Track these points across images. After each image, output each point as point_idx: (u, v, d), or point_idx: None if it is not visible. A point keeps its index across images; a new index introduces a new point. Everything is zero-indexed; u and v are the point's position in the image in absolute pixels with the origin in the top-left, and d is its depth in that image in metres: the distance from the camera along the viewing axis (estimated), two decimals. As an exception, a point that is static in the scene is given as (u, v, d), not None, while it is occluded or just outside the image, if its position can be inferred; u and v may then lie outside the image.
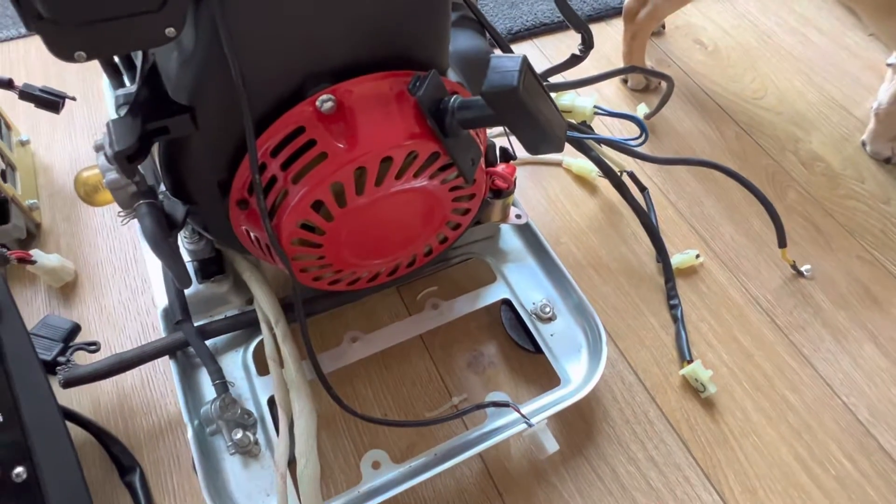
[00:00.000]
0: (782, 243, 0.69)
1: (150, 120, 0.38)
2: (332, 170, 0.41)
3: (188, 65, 0.38)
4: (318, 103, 0.41)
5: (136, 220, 0.41)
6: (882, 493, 0.57)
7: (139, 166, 0.41)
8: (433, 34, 0.44)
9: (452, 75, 0.48)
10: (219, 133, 0.41)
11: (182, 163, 0.43)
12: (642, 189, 0.76)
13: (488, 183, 0.57)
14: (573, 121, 0.61)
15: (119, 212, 0.41)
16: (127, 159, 0.37)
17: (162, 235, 0.40)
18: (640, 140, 0.55)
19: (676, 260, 0.70)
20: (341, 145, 0.41)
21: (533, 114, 0.37)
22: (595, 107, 0.58)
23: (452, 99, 0.42)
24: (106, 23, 0.33)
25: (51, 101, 0.65)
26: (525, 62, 0.36)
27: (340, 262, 0.50)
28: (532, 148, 0.41)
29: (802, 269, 0.71)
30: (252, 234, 0.48)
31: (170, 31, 0.35)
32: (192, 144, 0.42)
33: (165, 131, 0.39)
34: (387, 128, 0.42)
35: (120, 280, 0.66)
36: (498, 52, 0.52)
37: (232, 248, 0.52)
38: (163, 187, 0.46)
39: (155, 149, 0.44)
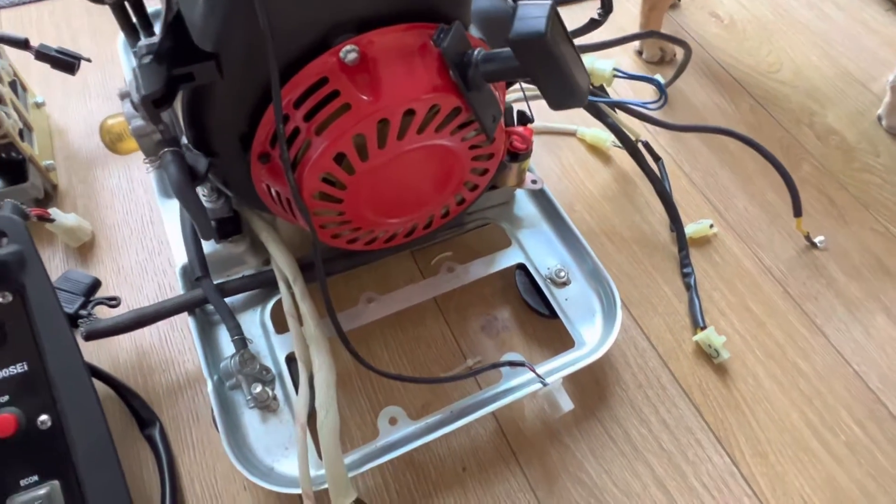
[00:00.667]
0: (798, 212, 0.68)
1: (176, 65, 0.38)
2: (355, 121, 0.41)
3: (214, 11, 0.38)
4: (341, 54, 0.41)
5: (158, 172, 0.42)
6: (891, 458, 0.58)
7: (163, 115, 0.41)
8: (457, -14, 0.43)
9: (474, 32, 0.48)
10: (242, 83, 0.41)
11: (205, 113, 0.43)
12: (657, 159, 0.76)
13: (506, 144, 0.57)
14: (593, 84, 0.61)
15: (144, 159, 0.41)
16: (153, 104, 0.37)
17: (188, 183, 0.40)
18: (658, 103, 0.55)
19: (690, 229, 0.70)
20: (365, 97, 0.41)
21: (560, 63, 0.37)
22: (614, 69, 0.57)
23: (476, 51, 0.42)
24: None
25: (67, 62, 0.65)
26: (553, 9, 0.35)
27: (359, 218, 0.50)
28: (556, 102, 0.41)
29: (816, 240, 0.71)
30: (273, 189, 0.48)
31: (197, -26, 0.35)
32: (215, 94, 0.42)
33: (191, 78, 0.39)
34: (410, 79, 0.42)
35: (137, 241, 0.67)
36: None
37: (250, 204, 0.52)
38: (185, 140, 0.46)
39: (178, 102, 0.45)
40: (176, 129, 0.48)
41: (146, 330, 0.59)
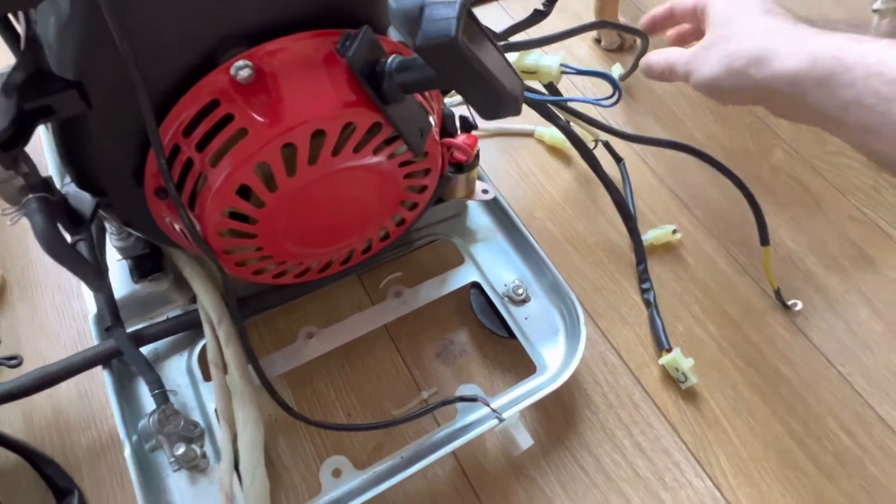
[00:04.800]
0: (764, 240, 0.61)
1: (28, 99, 0.32)
2: (254, 148, 0.36)
3: (68, 31, 0.32)
4: (232, 71, 0.35)
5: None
6: (882, 467, 0.54)
7: (28, 156, 0.35)
8: (365, -16, 0.38)
9: (395, 35, 0.43)
10: (120, 112, 0.36)
11: (83, 148, 0.38)
12: (618, 160, 0.71)
13: (447, 156, 0.51)
14: (540, 82, 0.55)
15: (5, 209, 0.35)
16: (1, 147, 0.31)
17: (56, 236, 0.34)
18: (612, 99, 0.50)
19: (651, 236, 0.65)
20: (263, 119, 0.36)
21: (477, 70, 0.31)
22: (562, 65, 0.52)
23: (390, 60, 0.36)
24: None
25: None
26: (464, 7, 0.30)
27: (282, 252, 0.44)
28: (485, 112, 0.36)
29: (790, 303, 0.61)
30: (178, 227, 0.42)
31: (35, -13, 0.29)
32: (90, 126, 0.36)
33: (50, 111, 0.33)
34: (316, 96, 0.36)
35: (53, 283, 0.60)
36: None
37: (160, 242, 0.47)
38: (68, 178, 0.40)
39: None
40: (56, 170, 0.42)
41: (63, 384, 0.53)
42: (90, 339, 0.57)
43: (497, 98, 0.34)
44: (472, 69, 0.31)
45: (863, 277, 0.65)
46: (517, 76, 0.36)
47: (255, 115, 0.36)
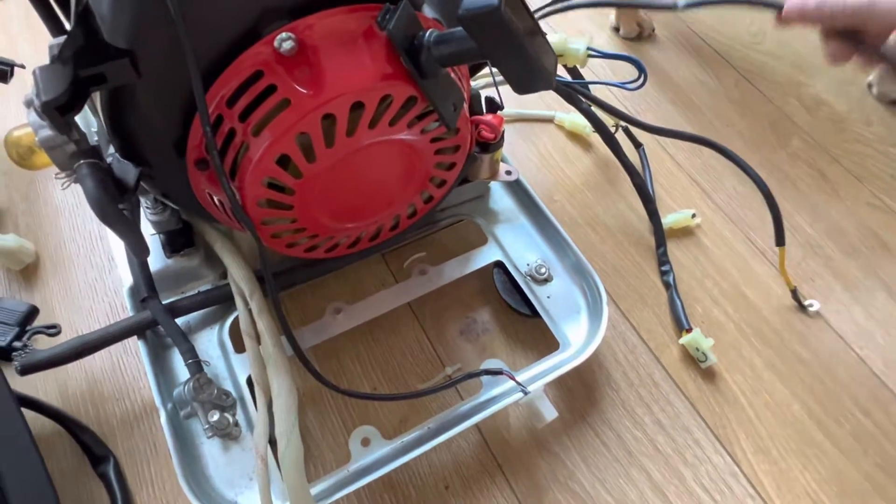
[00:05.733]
0: (780, 241, 0.59)
1: (83, 65, 0.33)
2: (296, 118, 0.37)
3: (122, 1, 0.33)
4: (276, 43, 0.36)
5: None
6: (899, 447, 0.54)
7: (78, 123, 0.37)
8: (403, -39, 0.39)
9: (429, 11, 0.44)
10: (167, 82, 0.37)
11: (129, 118, 0.39)
12: (637, 145, 0.72)
13: (474, 134, 0.52)
14: (565, 65, 0.56)
15: (57, 173, 0.36)
16: (58, 111, 0.32)
17: (108, 199, 0.35)
18: (638, 83, 0.51)
19: (670, 220, 0.66)
20: (305, 90, 0.37)
21: (519, 40, 0.32)
22: (589, 48, 0.53)
23: (428, 33, 0.37)
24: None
25: (-2, 70, 0.60)
26: (507, -22, 0.31)
27: (315, 225, 0.45)
28: (520, 85, 0.36)
29: (806, 303, 0.62)
30: (216, 199, 0.43)
31: (95, -42, 0.30)
32: (138, 96, 0.37)
33: (102, 79, 0.34)
34: (356, 69, 0.37)
35: (85, 259, 0.62)
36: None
37: (196, 215, 0.48)
38: (112, 148, 0.41)
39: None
40: (101, 136, 0.43)
41: (97, 355, 0.54)
42: (122, 312, 0.59)
43: (533, 71, 0.35)
44: (514, 40, 0.32)
45: (880, 263, 0.66)
46: (552, 50, 0.37)
47: (298, 87, 0.37)
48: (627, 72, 0.77)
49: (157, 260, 0.54)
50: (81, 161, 0.35)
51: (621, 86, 0.53)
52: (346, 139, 0.39)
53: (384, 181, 0.46)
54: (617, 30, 0.86)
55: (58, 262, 0.61)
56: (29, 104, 0.35)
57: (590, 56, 0.53)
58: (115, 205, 0.36)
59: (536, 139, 0.74)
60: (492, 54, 0.34)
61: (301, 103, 0.37)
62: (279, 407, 0.42)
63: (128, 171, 0.40)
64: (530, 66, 0.35)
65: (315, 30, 0.37)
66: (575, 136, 0.74)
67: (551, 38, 0.52)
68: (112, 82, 0.35)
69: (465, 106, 0.46)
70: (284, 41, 0.36)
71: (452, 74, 0.43)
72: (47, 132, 0.34)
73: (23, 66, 0.63)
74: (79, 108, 0.33)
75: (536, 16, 0.58)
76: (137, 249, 0.39)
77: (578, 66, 0.58)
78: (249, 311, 0.49)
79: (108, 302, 0.59)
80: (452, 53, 0.36)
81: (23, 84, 0.75)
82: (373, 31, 0.38)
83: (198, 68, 0.33)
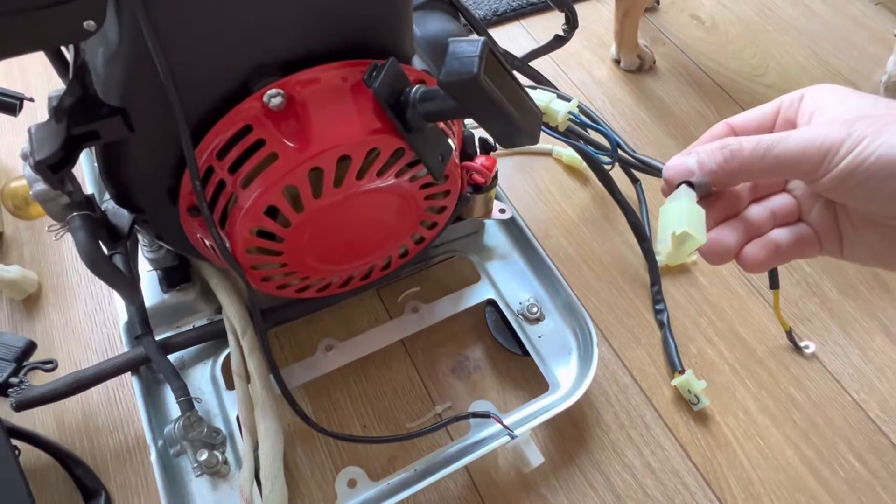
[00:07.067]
0: (774, 284, 0.57)
1: (76, 124, 0.34)
2: (283, 172, 0.38)
3: (115, 61, 0.34)
4: (265, 98, 0.37)
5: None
6: (894, 494, 0.54)
7: (74, 174, 0.38)
8: (392, 17, 0.40)
9: (419, 63, 0.44)
10: (159, 136, 0.38)
11: (123, 169, 0.40)
12: (634, 181, 0.72)
13: (466, 178, 0.53)
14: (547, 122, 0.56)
15: (50, 226, 0.37)
16: (50, 169, 0.33)
17: (97, 251, 0.36)
18: (609, 164, 0.50)
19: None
20: (293, 144, 0.37)
21: (498, 104, 0.33)
22: (570, 114, 0.53)
23: (414, 90, 0.38)
24: (10, 17, 0.29)
25: (7, 104, 0.61)
26: (486, 46, 0.32)
27: (305, 269, 0.46)
28: (504, 141, 0.37)
29: (802, 345, 0.61)
30: (208, 243, 0.44)
31: (89, 24, 0.31)
32: (131, 149, 0.38)
33: (95, 136, 0.35)
34: (342, 123, 0.38)
35: (86, 290, 0.63)
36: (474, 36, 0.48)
37: (190, 255, 0.49)
38: (107, 195, 0.42)
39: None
40: (98, 182, 0.44)
41: (94, 388, 0.55)
42: (120, 345, 0.60)
43: (515, 129, 0.36)
44: (493, 103, 0.33)
45: (879, 304, 0.65)
46: (536, 108, 0.38)
47: (286, 141, 0.37)
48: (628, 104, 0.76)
49: (153, 295, 0.54)
50: (74, 213, 0.36)
51: (595, 156, 0.53)
52: (334, 189, 0.40)
53: (374, 225, 0.46)
54: (618, 62, 0.86)
55: (59, 293, 0.63)
56: (25, 157, 0.36)
57: (570, 120, 0.53)
58: (104, 256, 0.37)
59: (534, 173, 0.75)
60: (474, 115, 0.35)
61: (288, 157, 0.38)
62: (265, 450, 0.43)
63: (122, 218, 0.41)
64: (512, 125, 0.35)
65: (304, 86, 0.38)
66: (572, 170, 0.75)
67: (541, 94, 0.53)
68: (105, 138, 0.36)
69: (455, 151, 0.46)
70: (273, 97, 0.37)
71: (441, 123, 0.44)
72: (41, 186, 0.36)
73: (32, 100, 0.64)
74: (71, 165, 0.34)
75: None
76: (129, 298, 0.40)
77: (558, 128, 0.57)
78: (241, 349, 0.50)
79: (107, 333, 0.60)
80: (437, 111, 0.37)
81: (34, 114, 0.77)
82: (360, 87, 0.39)
83: (187, 125, 0.34)
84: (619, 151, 0.52)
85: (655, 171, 0.52)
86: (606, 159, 0.49)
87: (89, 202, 0.38)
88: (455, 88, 0.32)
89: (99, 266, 0.37)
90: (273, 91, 0.37)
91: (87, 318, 0.61)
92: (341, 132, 0.38)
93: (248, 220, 0.39)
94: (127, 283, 0.39)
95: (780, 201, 0.28)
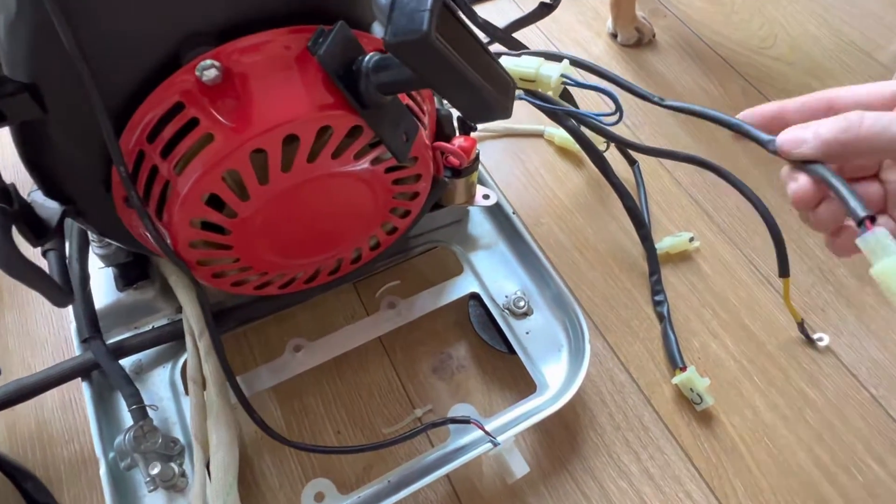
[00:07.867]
0: (784, 272, 0.54)
1: (-25, 102, 0.30)
2: (221, 155, 0.33)
3: (16, 31, 0.30)
4: (197, 71, 0.32)
5: None
6: (919, 502, 0.49)
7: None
8: (344, -24, 0.35)
9: (379, 30, 0.39)
10: (80, 116, 0.33)
11: (45, 155, 0.36)
12: (632, 162, 0.67)
13: (441, 160, 0.48)
14: (540, 91, 0.51)
15: (-42, 221, 0.33)
16: (-54, 155, 0.29)
17: (10, 249, 0.32)
18: (613, 118, 0.45)
19: (667, 244, 0.61)
20: (230, 123, 0.33)
21: (457, 69, 0.28)
22: (563, 76, 0.48)
23: (367, 58, 0.33)
24: None
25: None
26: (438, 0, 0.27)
27: (261, 264, 0.42)
28: (469, 114, 0.33)
29: (815, 336, 0.56)
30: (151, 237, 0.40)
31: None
32: (50, 131, 0.34)
33: (1, 116, 0.31)
34: (287, 98, 0.33)
35: (43, 289, 0.59)
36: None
37: (139, 251, 0.45)
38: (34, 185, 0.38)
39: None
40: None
41: (48, 393, 0.51)
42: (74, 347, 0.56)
43: (482, 100, 0.31)
44: (451, 69, 0.28)
45: (899, 291, 0.60)
46: (507, 76, 0.33)
47: (222, 119, 0.33)
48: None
49: (108, 294, 0.50)
50: (-16, 207, 0.32)
51: (597, 119, 0.48)
52: (283, 175, 0.36)
53: (336, 215, 0.42)
54: (615, 36, 0.81)
55: (14, 294, 0.59)
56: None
57: (564, 84, 0.48)
58: (19, 255, 0.33)
59: (524, 155, 0.70)
60: (432, 83, 0.30)
61: (226, 138, 0.33)
62: (216, 464, 0.39)
63: (51, 210, 0.36)
64: (478, 95, 0.30)
65: (243, 56, 0.33)
66: (565, 152, 0.70)
67: (527, 60, 0.48)
68: (13, 119, 0.31)
69: (426, 132, 0.42)
70: (206, 69, 0.32)
71: (407, 98, 0.39)
72: (-57, 175, 0.31)
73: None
74: (-28, 150, 0.30)
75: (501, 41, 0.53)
76: (55, 300, 0.36)
77: (552, 94, 0.52)
78: (198, 352, 0.45)
79: (64, 335, 0.56)
80: (391, 81, 0.32)
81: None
82: (308, 56, 0.34)
83: (103, 103, 0.30)
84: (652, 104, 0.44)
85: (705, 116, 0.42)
86: (609, 120, 0.44)
87: (5, 193, 0.34)
88: (404, 51, 0.28)
89: (13, 266, 0.32)
90: (206, 62, 0.32)
91: (45, 320, 0.57)
92: (286, 108, 0.33)
93: (186, 211, 0.35)
94: (49, 284, 0.35)
95: (864, 190, 0.27)
